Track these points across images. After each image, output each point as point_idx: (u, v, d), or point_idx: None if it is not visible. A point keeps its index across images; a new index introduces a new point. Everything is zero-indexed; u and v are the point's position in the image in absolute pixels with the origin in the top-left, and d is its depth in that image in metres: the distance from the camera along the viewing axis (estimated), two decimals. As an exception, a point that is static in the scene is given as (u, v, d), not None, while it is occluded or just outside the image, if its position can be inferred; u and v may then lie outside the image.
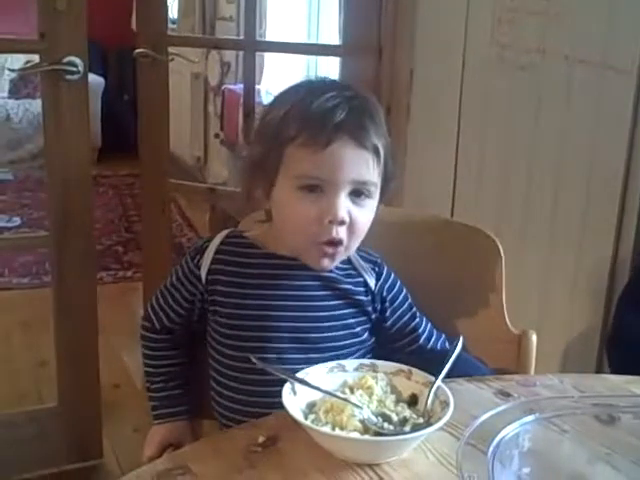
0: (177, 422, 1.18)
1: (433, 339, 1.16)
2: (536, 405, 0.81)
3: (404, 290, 1.16)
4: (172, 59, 2.37)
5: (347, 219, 1.01)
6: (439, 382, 0.90)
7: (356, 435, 0.83)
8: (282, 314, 1.08)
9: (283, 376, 0.90)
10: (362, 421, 0.85)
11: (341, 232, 1.02)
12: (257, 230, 1.14)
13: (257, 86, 2.60)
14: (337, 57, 2.38)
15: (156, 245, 2.56)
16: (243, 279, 1.09)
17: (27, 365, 2.52)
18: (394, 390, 0.92)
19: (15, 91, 5.05)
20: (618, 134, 1.65)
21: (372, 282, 1.12)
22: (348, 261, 1.12)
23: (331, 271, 1.09)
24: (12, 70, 4.67)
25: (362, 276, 1.12)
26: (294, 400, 0.87)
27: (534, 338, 1.19)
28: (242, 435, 0.89)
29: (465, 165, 2.09)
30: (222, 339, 1.11)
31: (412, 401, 0.91)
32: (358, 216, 1.02)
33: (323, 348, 1.08)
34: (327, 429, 0.84)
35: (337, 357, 1.06)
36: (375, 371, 0.94)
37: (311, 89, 1.04)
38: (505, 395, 0.98)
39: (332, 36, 3.46)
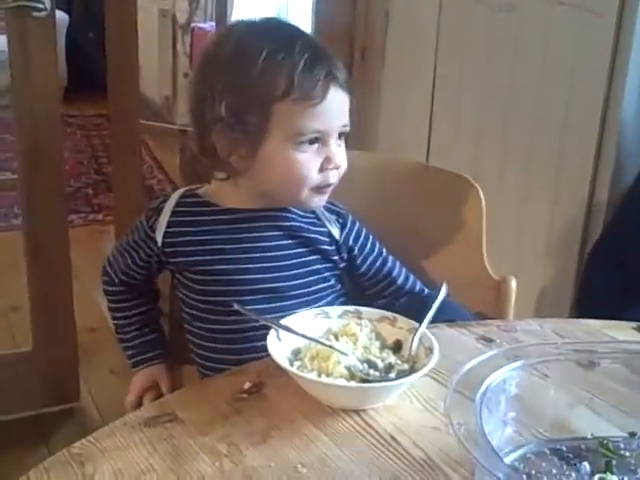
0: (154, 366, 1.19)
1: (410, 282, 1.17)
2: (520, 352, 0.82)
3: (371, 237, 1.16)
4: (142, -4, 2.31)
5: (341, 164, 1.05)
6: (423, 328, 0.90)
7: (342, 382, 0.84)
8: (248, 267, 1.07)
9: (267, 323, 0.90)
10: (348, 368, 0.85)
11: (336, 176, 1.05)
12: (211, 186, 1.12)
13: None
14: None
15: (127, 187, 2.53)
16: (204, 237, 1.08)
17: (-1, 310, 2.49)
18: (379, 337, 0.93)
19: (-24, 27, 4.89)
20: (596, 78, 1.65)
21: (336, 232, 1.12)
22: (312, 212, 1.11)
23: (294, 220, 1.10)
24: (-25, 6, 4.49)
25: (326, 226, 1.12)
26: (279, 347, 0.87)
27: (514, 284, 1.20)
28: (228, 382, 0.89)
29: (441, 109, 2.08)
30: (193, 295, 1.11)
31: (396, 347, 0.91)
32: (343, 158, 1.06)
33: (293, 295, 1.09)
34: (313, 376, 0.84)
35: (309, 303, 1.08)
36: (359, 318, 0.94)
37: (275, 39, 1.01)
38: (487, 341, 0.99)
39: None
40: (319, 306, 1.06)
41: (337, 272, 1.14)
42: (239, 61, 1.00)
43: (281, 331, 0.89)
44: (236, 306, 0.97)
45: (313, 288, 1.10)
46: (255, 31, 1.05)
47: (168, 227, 1.09)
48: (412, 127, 2.17)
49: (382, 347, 0.91)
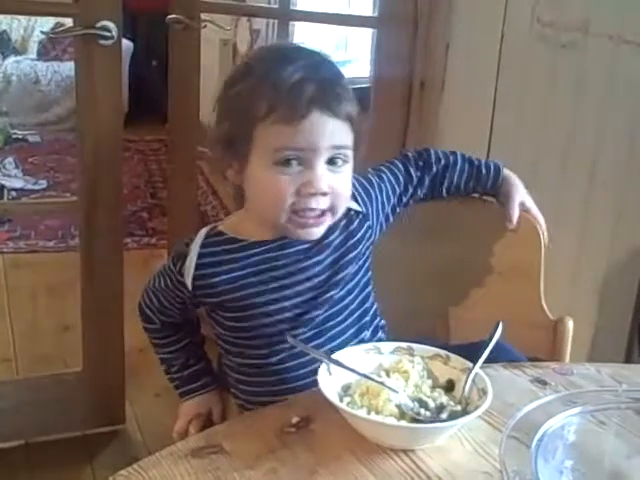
0: (203, 395, 1.19)
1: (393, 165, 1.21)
2: (578, 397, 0.79)
3: (369, 176, 1.17)
4: (205, 26, 2.35)
5: (328, 190, 0.99)
6: (477, 369, 0.88)
7: (392, 421, 0.82)
8: (281, 294, 1.05)
9: (319, 357, 0.89)
10: (398, 406, 0.84)
11: (323, 202, 1.00)
12: (232, 219, 1.11)
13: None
14: (371, 29, 2.34)
15: (181, 212, 2.55)
16: (234, 274, 1.05)
17: (51, 329, 2.51)
18: (430, 375, 0.91)
19: (44, 53, 5.03)
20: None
21: (355, 205, 1.11)
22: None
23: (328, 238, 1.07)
24: (45, 33, 4.63)
25: (350, 210, 1.10)
26: (330, 381, 0.86)
27: (570, 325, 1.17)
28: (275, 415, 0.88)
29: (499, 144, 2.05)
30: (227, 332, 1.10)
31: (449, 387, 0.89)
32: (339, 185, 1.01)
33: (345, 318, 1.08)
34: (363, 413, 0.83)
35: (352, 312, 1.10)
36: (412, 355, 0.92)
37: (277, 58, 1.01)
38: (542, 383, 0.97)
39: (365, 8, 3.40)
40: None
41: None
42: (235, 82, 1.02)
43: (332, 365, 0.88)
44: (289, 339, 0.96)
45: (367, 305, 1.11)
46: (265, 55, 1.06)
47: (197, 270, 1.06)
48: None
49: (434, 386, 0.89)
